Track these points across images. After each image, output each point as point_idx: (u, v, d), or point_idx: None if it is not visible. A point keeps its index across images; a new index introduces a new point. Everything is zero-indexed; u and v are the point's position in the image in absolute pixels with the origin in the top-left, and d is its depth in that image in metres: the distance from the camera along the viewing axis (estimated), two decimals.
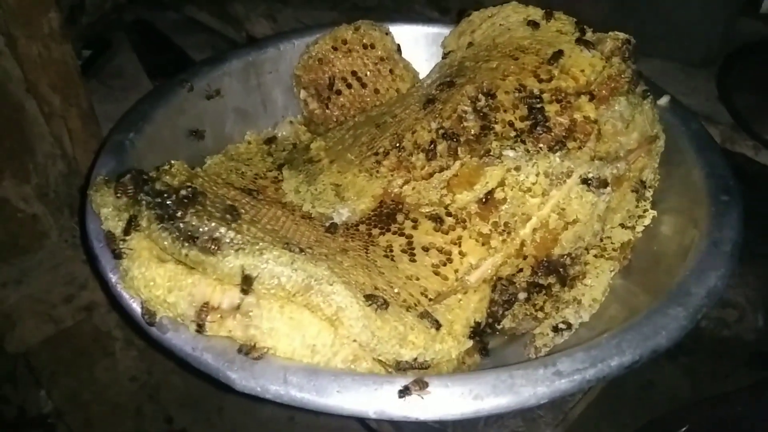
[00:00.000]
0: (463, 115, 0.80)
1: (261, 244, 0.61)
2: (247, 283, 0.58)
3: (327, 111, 1.07)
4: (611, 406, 0.98)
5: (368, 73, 1.06)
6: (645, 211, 0.85)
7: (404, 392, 0.55)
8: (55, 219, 1.16)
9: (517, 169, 0.74)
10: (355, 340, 0.61)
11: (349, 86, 1.06)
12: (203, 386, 1.21)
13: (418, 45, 1.12)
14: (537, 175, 0.73)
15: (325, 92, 1.07)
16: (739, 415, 0.82)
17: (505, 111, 0.81)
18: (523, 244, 0.74)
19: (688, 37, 1.42)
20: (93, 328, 1.17)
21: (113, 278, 0.64)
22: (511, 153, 0.75)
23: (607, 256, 0.84)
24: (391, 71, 1.07)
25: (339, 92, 1.06)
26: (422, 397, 0.55)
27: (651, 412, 0.94)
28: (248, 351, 0.58)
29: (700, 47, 1.43)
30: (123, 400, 1.23)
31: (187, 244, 0.59)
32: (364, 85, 1.06)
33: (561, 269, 0.78)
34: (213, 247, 0.59)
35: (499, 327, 0.82)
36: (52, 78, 1.01)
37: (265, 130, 1.09)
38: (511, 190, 0.74)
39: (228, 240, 0.60)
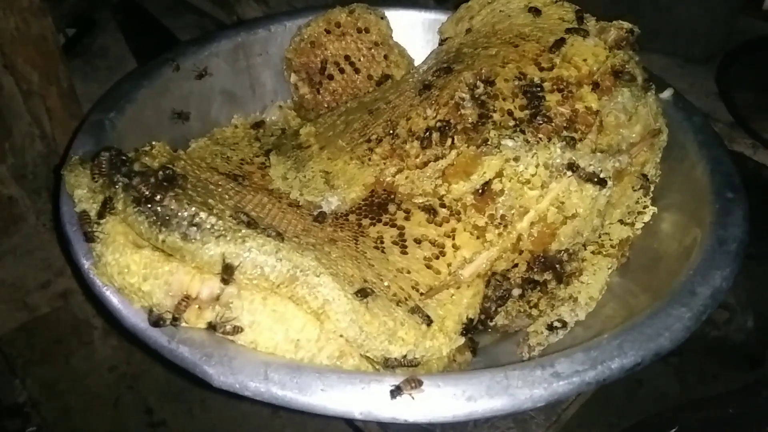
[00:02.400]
0: (461, 102, 0.77)
1: (244, 231, 0.57)
2: (227, 273, 0.55)
3: (318, 96, 1.04)
4: (599, 406, 0.97)
5: (362, 58, 1.03)
6: (645, 207, 0.83)
7: (396, 392, 0.51)
8: (32, 201, 1.12)
9: (516, 159, 0.70)
10: (341, 336, 0.58)
11: (342, 71, 1.03)
12: (185, 377, 1.18)
13: (414, 31, 1.08)
14: (536, 166, 0.70)
15: (317, 76, 1.03)
16: (729, 417, 0.81)
17: (504, 99, 0.78)
18: (519, 238, 0.71)
19: (688, 33, 1.40)
20: (70, 315, 1.13)
21: (86, 264, 0.61)
22: (510, 143, 0.71)
23: (605, 252, 0.81)
24: (385, 57, 1.03)
25: (331, 77, 1.03)
26: (413, 397, 0.51)
27: (639, 413, 0.92)
28: (220, 327, 0.54)
29: (700, 43, 1.40)
30: (101, 390, 1.19)
31: (164, 229, 0.56)
32: (357, 71, 1.03)
33: (557, 265, 0.75)
34: (192, 233, 0.55)
35: (491, 324, 0.79)
36: (30, 54, 0.97)
37: (253, 114, 1.05)
38: (509, 181, 0.70)
39: (209, 226, 0.57)
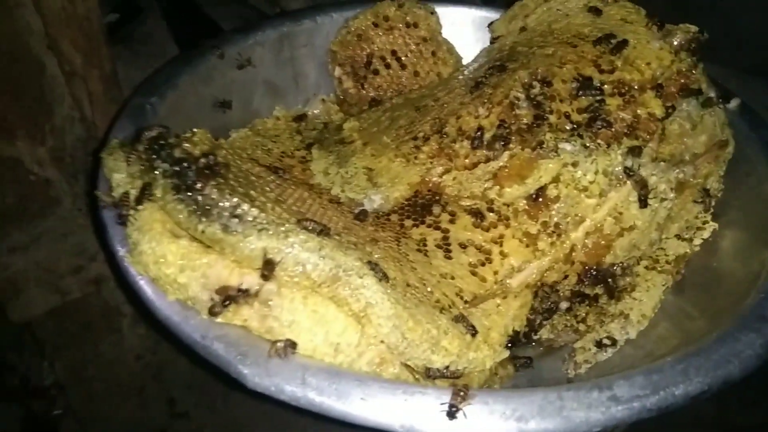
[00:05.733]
0: (516, 102, 0.73)
1: (287, 225, 0.54)
2: (268, 268, 0.52)
3: (362, 91, 1.01)
4: (628, 429, 0.92)
5: (409, 53, 1.00)
6: (705, 222, 0.78)
7: (453, 410, 0.48)
8: (69, 185, 1.11)
9: (575, 164, 0.67)
10: (382, 342, 0.55)
11: (388, 66, 1.00)
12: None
13: (464, 28, 1.05)
14: (596, 173, 0.66)
15: (362, 71, 1.00)
16: None
17: (561, 101, 0.74)
18: (573, 248, 0.67)
19: (746, 43, 1.34)
20: (101, 302, 1.12)
21: (121, 251, 0.58)
22: (568, 146, 0.67)
23: (659, 268, 0.76)
24: (433, 53, 1.00)
25: (376, 72, 1.00)
26: (465, 412, 0.48)
27: None
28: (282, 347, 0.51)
29: (759, 54, 1.34)
30: (126, 378, 1.19)
31: (204, 219, 0.53)
32: (403, 66, 1.00)
33: (610, 279, 0.71)
34: (234, 224, 0.53)
35: (535, 337, 0.75)
36: (74, 35, 0.95)
37: (296, 106, 1.02)
38: (566, 187, 0.66)
39: (251, 218, 0.54)
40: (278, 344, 0.51)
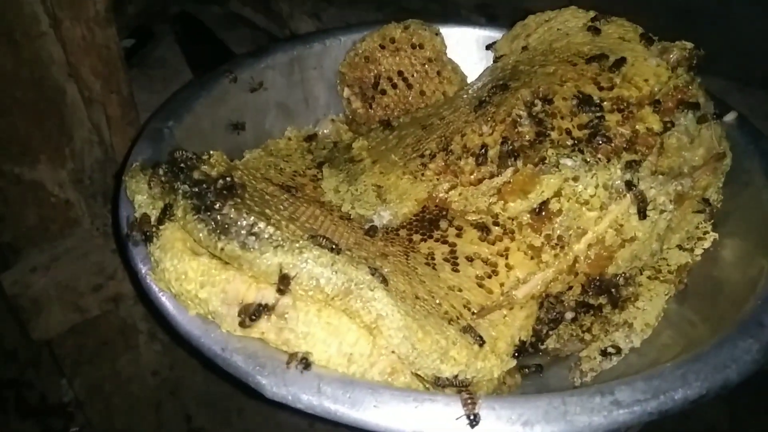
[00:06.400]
0: (518, 119, 0.76)
1: (301, 242, 0.57)
2: (284, 283, 0.55)
3: (370, 111, 1.04)
4: None
5: (415, 73, 1.03)
6: (705, 233, 0.80)
7: (472, 419, 0.50)
8: (88, 206, 1.14)
9: (576, 179, 0.69)
10: (393, 352, 0.57)
11: (395, 86, 1.03)
12: (224, 386, 1.19)
13: (468, 48, 1.08)
14: (596, 187, 0.69)
15: (370, 91, 1.03)
16: None
17: (562, 118, 0.76)
18: (576, 260, 0.69)
19: (749, 56, 1.36)
20: (119, 319, 1.15)
21: (143, 269, 0.61)
22: (569, 162, 0.70)
23: (662, 278, 0.78)
24: (438, 73, 1.03)
25: (384, 92, 1.03)
26: (477, 418, 0.50)
27: None
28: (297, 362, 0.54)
29: (761, 66, 1.36)
30: (144, 394, 1.21)
31: (223, 237, 0.56)
32: (410, 86, 1.03)
33: (613, 289, 0.73)
34: (251, 242, 0.56)
35: (542, 347, 0.77)
36: (94, 62, 1.00)
37: (306, 127, 1.06)
38: (568, 201, 0.69)
39: (267, 236, 0.57)
40: (296, 357, 0.54)
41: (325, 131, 1.05)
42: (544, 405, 0.51)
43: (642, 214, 0.68)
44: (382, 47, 1.02)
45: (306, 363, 0.54)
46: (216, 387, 1.24)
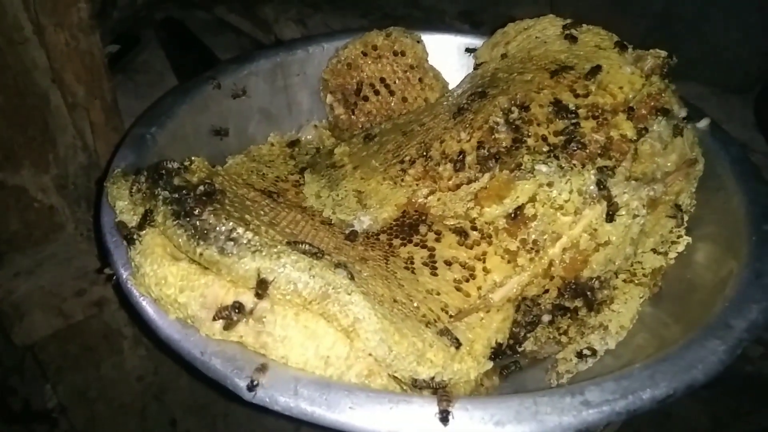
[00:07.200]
0: (495, 126, 0.77)
1: (279, 247, 0.58)
2: (262, 287, 0.56)
3: (353, 117, 1.05)
4: None
5: (397, 80, 1.04)
6: (679, 237, 0.81)
7: (445, 415, 0.51)
8: (71, 211, 1.15)
9: (550, 184, 0.71)
10: (370, 354, 0.58)
11: (377, 93, 1.04)
12: (210, 390, 1.19)
13: (449, 55, 1.10)
14: (570, 192, 0.70)
15: (352, 98, 1.05)
16: None
17: (538, 124, 0.78)
18: (551, 264, 0.70)
19: (726, 62, 1.39)
20: (102, 324, 1.15)
21: (124, 274, 0.62)
22: (543, 168, 0.72)
23: (636, 281, 0.80)
24: (420, 80, 1.04)
25: (366, 98, 1.04)
26: (453, 415, 0.51)
27: None
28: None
29: (738, 73, 1.39)
30: (128, 399, 1.21)
31: (202, 243, 0.57)
32: (392, 93, 1.04)
33: (589, 293, 0.75)
34: (229, 247, 0.57)
35: (520, 349, 0.78)
36: (77, 68, 1.00)
37: (289, 132, 1.07)
38: (542, 206, 0.70)
39: (245, 241, 0.58)
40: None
41: (308, 137, 1.06)
42: (516, 405, 0.52)
43: (610, 217, 0.69)
44: (365, 54, 1.03)
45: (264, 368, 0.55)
46: (201, 391, 1.24)
